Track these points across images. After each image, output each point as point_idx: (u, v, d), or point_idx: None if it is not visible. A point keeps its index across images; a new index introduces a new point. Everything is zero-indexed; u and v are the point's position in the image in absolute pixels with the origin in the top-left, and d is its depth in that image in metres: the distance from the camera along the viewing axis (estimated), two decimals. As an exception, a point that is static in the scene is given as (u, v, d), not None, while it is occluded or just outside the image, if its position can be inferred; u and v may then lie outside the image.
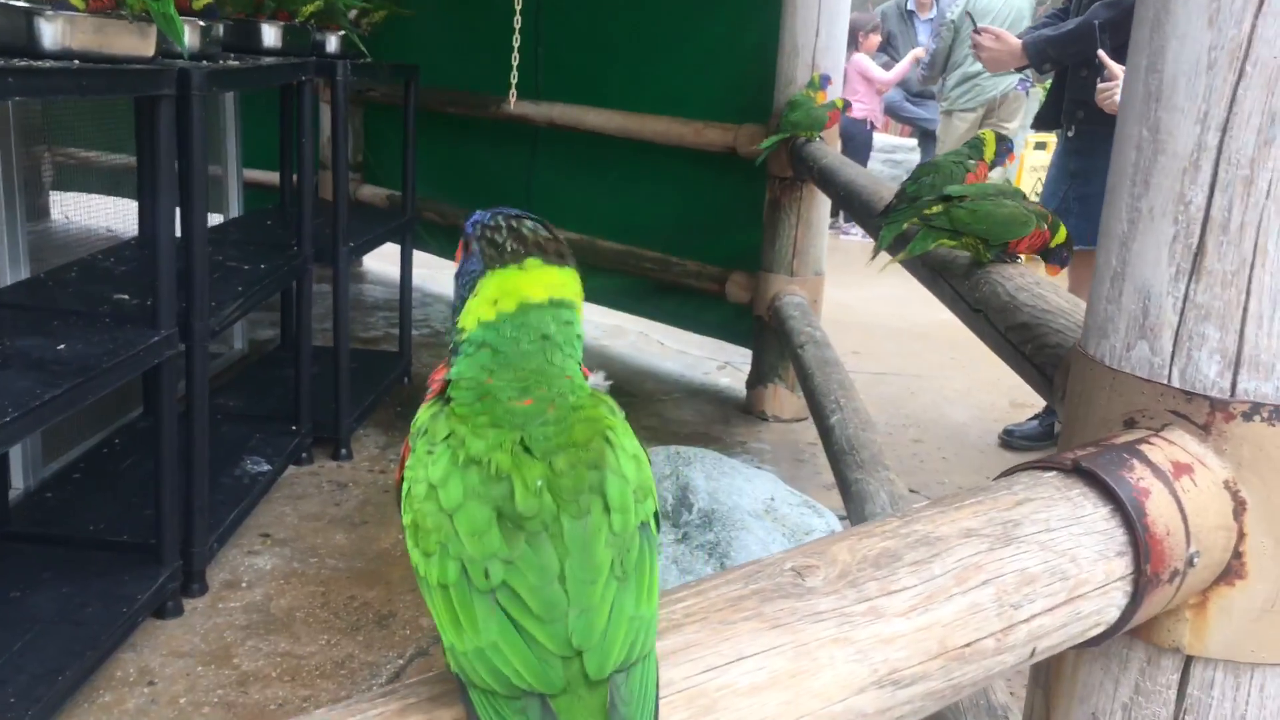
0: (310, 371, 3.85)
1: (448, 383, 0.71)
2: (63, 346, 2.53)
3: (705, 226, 4.88)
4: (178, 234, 2.78)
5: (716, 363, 5.32)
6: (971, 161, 2.33)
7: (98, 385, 2.42)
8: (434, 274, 6.62)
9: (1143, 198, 1.06)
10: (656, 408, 4.68)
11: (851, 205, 3.01)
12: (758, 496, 2.42)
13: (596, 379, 0.74)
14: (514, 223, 0.72)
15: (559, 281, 0.71)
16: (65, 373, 2.37)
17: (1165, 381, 1.03)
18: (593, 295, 5.55)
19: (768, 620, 0.71)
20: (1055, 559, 0.87)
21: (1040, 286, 1.69)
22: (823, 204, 4.37)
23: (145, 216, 3.70)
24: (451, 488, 0.63)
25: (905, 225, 2.33)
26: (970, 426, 4.57)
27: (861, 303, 6.25)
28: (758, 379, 4.58)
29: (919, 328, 5.93)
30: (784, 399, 4.49)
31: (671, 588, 0.72)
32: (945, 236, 1.94)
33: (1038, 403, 4.65)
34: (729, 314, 4.78)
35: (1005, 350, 1.65)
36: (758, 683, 0.67)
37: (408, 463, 0.67)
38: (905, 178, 2.40)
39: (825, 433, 2.95)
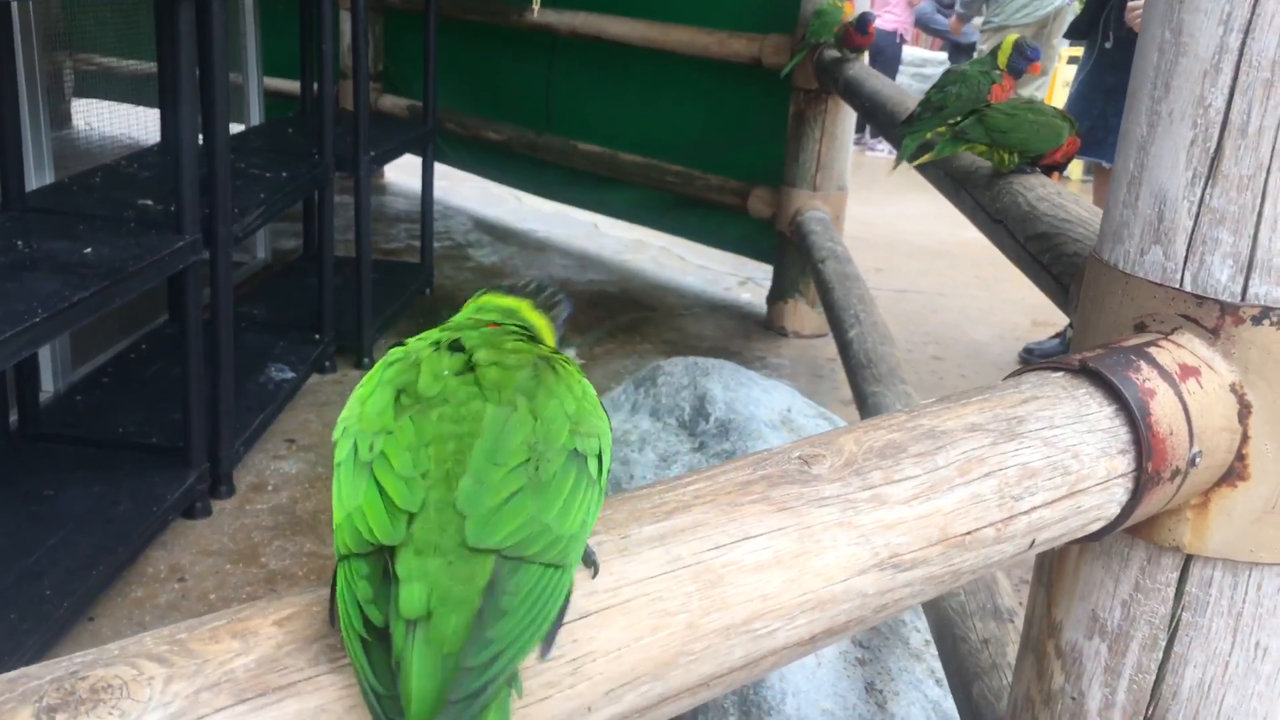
0: (333, 281, 3.88)
1: None
2: (89, 250, 2.56)
3: (728, 140, 4.83)
4: (199, 141, 2.78)
5: (738, 278, 5.31)
6: (997, 72, 2.30)
7: (125, 289, 2.46)
8: (454, 186, 6.62)
9: (1163, 101, 1.05)
10: (677, 322, 4.70)
11: (876, 117, 2.98)
12: (775, 407, 2.45)
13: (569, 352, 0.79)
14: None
15: (505, 300, 0.82)
16: (93, 276, 2.40)
17: (1177, 285, 1.04)
18: (614, 209, 5.58)
19: (774, 504, 0.73)
20: (1058, 455, 0.89)
21: (1061, 197, 1.68)
22: (848, 118, 4.31)
23: (167, 122, 3.71)
24: (370, 381, 0.70)
25: (929, 135, 2.31)
26: (991, 345, 4.57)
27: (885, 220, 6.21)
28: (778, 295, 4.58)
29: (943, 246, 5.89)
30: (804, 315, 4.49)
31: (680, 474, 0.74)
32: (979, 144, 1.92)
33: (1059, 322, 4.63)
34: (751, 229, 4.76)
35: (1024, 260, 1.65)
36: (763, 561, 0.70)
37: None
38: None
39: (844, 346, 2.96)
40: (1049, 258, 1.54)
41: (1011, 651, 1.69)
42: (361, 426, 0.65)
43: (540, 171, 5.72)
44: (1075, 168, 8.37)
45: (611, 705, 0.63)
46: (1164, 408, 0.95)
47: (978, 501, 0.83)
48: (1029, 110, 2.00)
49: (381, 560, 0.59)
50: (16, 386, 3.00)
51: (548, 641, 0.60)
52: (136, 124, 4.19)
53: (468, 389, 0.66)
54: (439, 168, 5.15)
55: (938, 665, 2.14)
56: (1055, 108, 2.06)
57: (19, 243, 2.58)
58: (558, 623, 0.61)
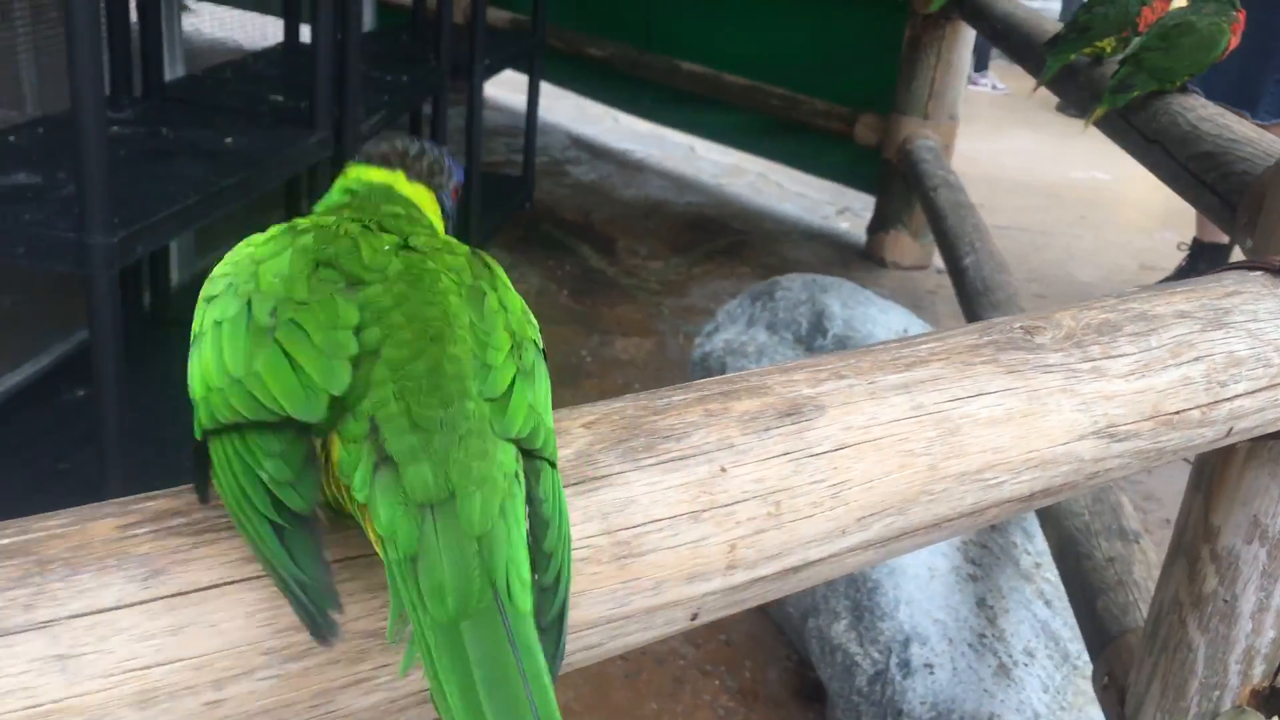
0: (443, 188, 3.94)
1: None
2: (229, 140, 2.64)
3: (837, 63, 4.76)
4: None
5: (836, 207, 5.27)
6: (1150, -8, 2.24)
7: (266, 178, 2.54)
8: (550, 103, 6.60)
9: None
10: (775, 247, 4.70)
11: (1009, 39, 2.92)
12: (892, 327, 2.46)
13: None
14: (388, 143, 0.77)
15: (378, 175, 0.74)
16: (235, 164, 2.48)
17: (1381, 194, 1.03)
18: (712, 132, 5.55)
19: (1003, 366, 0.77)
20: (1261, 347, 0.90)
21: (1224, 117, 1.66)
22: (965, 44, 4.22)
23: (291, 24, 3.77)
24: (273, 245, 0.60)
25: (1073, 57, 2.27)
26: (1097, 286, 4.49)
27: (988, 155, 6.08)
28: (880, 224, 4.55)
29: (1048, 185, 5.76)
30: (905, 245, 4.46)
31: (912, 335, 0.77)
32: (1153, 85, 1.87)
33: (1167, 266, 4.54)
34: (854, 156, 4.71)
35: (1182, 180, 1.63)
36: (996, 416, 0.74)
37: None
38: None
39: (958, 274, 2.95)
40: (1214, 176, 1.53)
41: (1138, 570, 1.71)
42: (259, 287, 0.56)
43: (639, 90, 5.70)
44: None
45: (861, 532, 0.67)
46: (1365, 311, 0.96)
47: (1187, 383, 0.85)
48: (1179, 33, 1.94)
49: (303, 440, 0.51)
50: (150, 272, 3.12)
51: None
52: (240, 28, 4.29)
53: (424, 268, 0.60)
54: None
55: (1047, 587, 2.17)
56: (1200, 10, 1.96)
57: (163, 130, 2.67)
58: (568, 525, 0.55)
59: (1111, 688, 1.53)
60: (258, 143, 2.65)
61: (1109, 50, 2.23)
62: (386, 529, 0.48)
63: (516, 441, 0.54)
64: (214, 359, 0.55)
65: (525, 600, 0.49)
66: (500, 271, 0.66)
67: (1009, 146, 6.47)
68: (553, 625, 0.51)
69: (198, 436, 0.54)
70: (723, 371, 2.55)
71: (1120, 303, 0.88)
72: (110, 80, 2.89)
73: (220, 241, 3.73)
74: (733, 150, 5.64)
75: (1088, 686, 2.01)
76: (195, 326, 0.59)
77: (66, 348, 3.00)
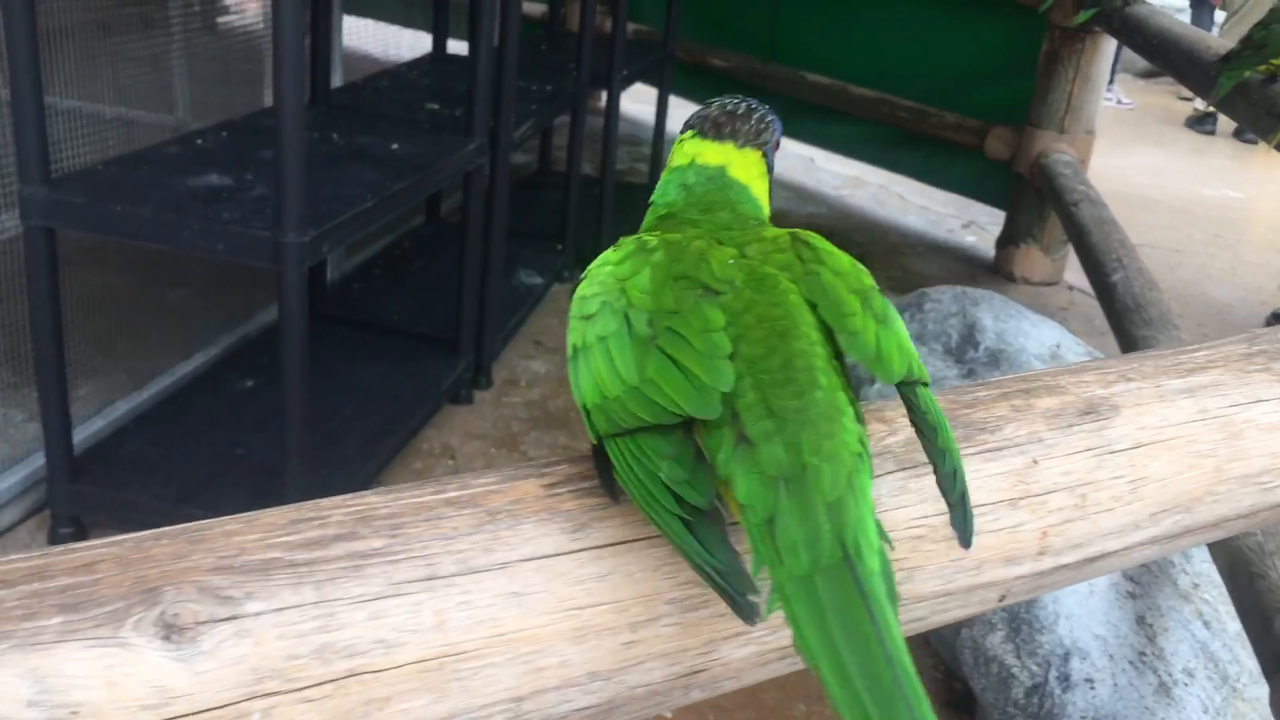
0: (576, 194, 4.04)
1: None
2: (396, 146, 2.77)
3: (968, 76, 4.73)
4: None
5: (960, 220, 5.23)
6: (1329, 8, 2.20)
7: (432, 183, 2.66)
8: (669, 112, 6.70)
9: None
10: (900, 260, 4.68)
11: (1166, 55, 2.88)
12: (1044, 341, 2.45)
13: None
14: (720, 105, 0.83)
15: (712, 152, 0.80)
16: (405, 169, 2.60)
17: None
18: (835, 144, 5.55)
19: (1277, 375, 0.79)
20: None
21: None
22: (1104, 58, 4.16)
23: (440, 36, 3.92)
24: (631, 262, 0.66)
25: (1247, 74, 2.24)
26: (1235, 307, 4.38)
27: (1116, 171, 5.96)
28: (1009, 239, 4.50)
29: (1179, 202, 5.63)
30: (1036, 261, 4.41)
31: (1185, 345, 0.80)
32: None
33: (1311, 287, 4.40)
34: (982, 170, 4.67)
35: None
36: (1274, 423, 0.76)
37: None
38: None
39: (1106, 290, 2.92)
40: None
41: (1318, 592, 1.69)
42: (631, 303, 0.63)
43: (762, 101, 5.71)
44: None
45: (1153, 527, 0.71)
46: None
47: None
48: None
49: (690, 440, 0.57)
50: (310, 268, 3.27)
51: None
52: (377, 41, 4.47)
53: (764, 274, 0.65)
54: (650, 91, 5.23)
55: (1206, 608, 2.14)
56: None
57: (334, 135, 2.81)
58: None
59: (1296, 709, 1.51)
60: (421, 149, 2.77)
61: (1285, 67, 2.20)
62: (745, 497, 0.54)
63: (901, 383, 0.62)
64: (607, 370, 0.61)
65: (873, 561, 0.53)
66: (819, 242, 0.70)
67: (1136, 162, 6.34)
68: (958, 504, 0.58)
69: (593, 440, 0.60)
70: (873, 381, 2.57)
71: (1376, 317, 0.90)
72: (283, 87, 3.05)
73: (365, 244, 3.89)
74: (854, 162, 5.63)
75: (1247, 710, 1.98)
76: (575, 340, 0.65)
77: (231, 340, 3.16)
